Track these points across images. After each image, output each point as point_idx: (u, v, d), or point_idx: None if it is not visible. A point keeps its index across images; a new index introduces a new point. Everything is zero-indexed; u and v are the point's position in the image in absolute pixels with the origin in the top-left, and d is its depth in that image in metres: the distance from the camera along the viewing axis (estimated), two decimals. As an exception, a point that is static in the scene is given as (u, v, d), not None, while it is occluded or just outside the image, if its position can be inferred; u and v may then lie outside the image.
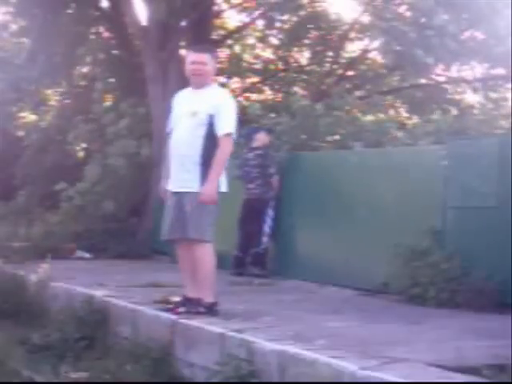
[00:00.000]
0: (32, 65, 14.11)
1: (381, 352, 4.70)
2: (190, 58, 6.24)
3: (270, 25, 16.22)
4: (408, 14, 11.24)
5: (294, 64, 17.24)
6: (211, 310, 6.10)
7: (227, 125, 6.10)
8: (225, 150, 6.09)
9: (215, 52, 6.73)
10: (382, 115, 13.41)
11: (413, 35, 10.31)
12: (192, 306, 6.11)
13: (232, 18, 16.78)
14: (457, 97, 16.09)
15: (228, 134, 6.09)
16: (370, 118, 12.43)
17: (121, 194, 12.68)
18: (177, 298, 6.54)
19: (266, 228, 9.72)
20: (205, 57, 6.23)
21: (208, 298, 6.13)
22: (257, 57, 17.49)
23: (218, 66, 17.30)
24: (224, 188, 6.17)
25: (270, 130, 10.33)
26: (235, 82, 17.50)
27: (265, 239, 9.71)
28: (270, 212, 9.74)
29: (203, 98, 6.17)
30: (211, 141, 6.07)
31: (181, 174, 6.13)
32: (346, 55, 16.91)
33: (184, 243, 6.22)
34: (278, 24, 16.42)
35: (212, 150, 6.05)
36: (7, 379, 5.83)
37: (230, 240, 9.77)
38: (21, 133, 16.69)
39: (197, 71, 6.18)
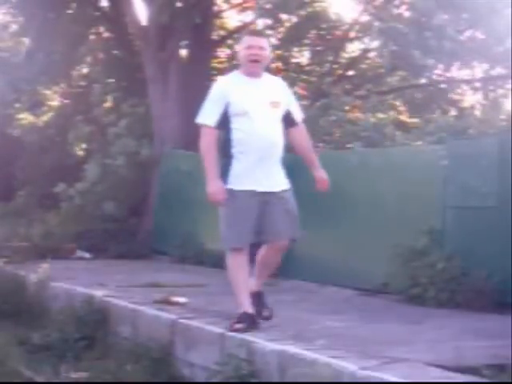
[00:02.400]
0: (31, 65, 14.11)
1: (381, 352, 4.70)
2: (247, 42, 5.62)
3: (275, 23, 16.19)
4: (407, 14, 11.25)
5: (294, 64, 17.23)
6: None
7: (299, 110, 5.87)
8: (307, 135, 5.91)
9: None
10: (381, 115, 13.40)
11: (411, 36, 10.31)
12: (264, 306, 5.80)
13: (232, 18, 16.77)
14: (457, 97, 16.08)
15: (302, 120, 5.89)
16: (368, 117, 12.40)
17: (121, 193, 12.68)
18: (179, 299, 6.57)
19: None
20: (263, 41, 5.68)
21: None
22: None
23: (218, 66, 17.35)
24: None
25: None
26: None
27: None
28: None
29: (274, 86, 5.73)
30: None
31: (274, 172, 5.64)
32: (346, 55, 16.91)
33: (275, 246, 5.75)
34: (277, 24, 16.41)
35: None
36: (7, 379, 5.83)
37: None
38: (20, 133, 16.69)
39: (256, 56, 5.57)
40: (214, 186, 5.49)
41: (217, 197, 5.50)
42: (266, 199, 5.55)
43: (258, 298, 5.80)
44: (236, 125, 5.52)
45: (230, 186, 5.52)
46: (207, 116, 5.59)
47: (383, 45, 10.97)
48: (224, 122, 5.53)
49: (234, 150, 5.53)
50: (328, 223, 9.08)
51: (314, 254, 9.16)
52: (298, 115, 5.82)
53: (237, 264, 5.64)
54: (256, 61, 5.57)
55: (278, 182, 5.64)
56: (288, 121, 5.71)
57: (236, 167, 5.53)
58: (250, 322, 5.47)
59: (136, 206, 12.93)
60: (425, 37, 10.28)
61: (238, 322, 5.44)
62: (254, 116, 5.49)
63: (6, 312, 8.01)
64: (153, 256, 11.98)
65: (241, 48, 5.67)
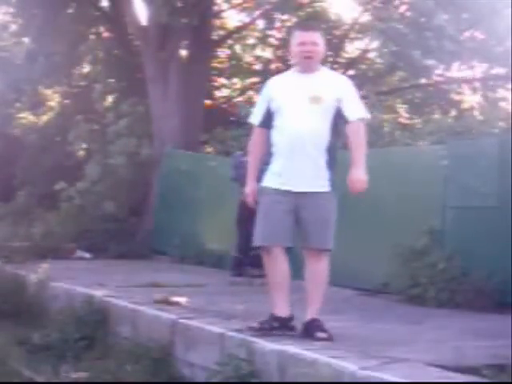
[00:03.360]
0: (32, 65, 14.13)
1: (381, 352, 4.70)
2: (299, 38, 5.30)
3: (270, 24, 16.22)
4: (408, 14, 11.26)
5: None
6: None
7: (360, 108, 5.36)
8: (363, 134, 5.32)
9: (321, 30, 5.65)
10: (380, 115, 13.40)
11: (411, 36, 10.31)
12: (316, 330, 5.16)
13: (232, 18, 16.78)
14: (457, 97, 16.09)
15: (362, 119, 5.34)
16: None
17: (121, 193, 12.68)
18: (179, 299, 6.56)
19: None
20: (316, 36, 5.33)
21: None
22: (257, 57, 17.46)
23: (218, 66, 17.28)
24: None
25: None
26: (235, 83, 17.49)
27: None
28: None
29: (321, 81, 5.33)
30: (335, 132, 5.34)
31: (309, 170, 5.27)
32: (346, 55, 16.91)
33: (306, 254, 5.33)
34: (278, 24, 16.42)
35: (335, 143, 5.37)
36: (7, 379, 5.83)
37: (229, 241, 9.77)
38: (21, 133, 16.69)
39: (309, 53, 5.26)
40: (248, 187, 5.46)
41: (248, 198, 5.47)
42: (298, 200, 5.26)
43: (312, 324, 5.22)
44: (275, 122, 5.35)
45: (263, 184, 5.38)
46: (254, 115, 5.49)
47: (383, 45, 10.98)
48: (270, 120, 5.37)
49: (273, 148, 5.36)
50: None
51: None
52: (353, 112, 5.30)
53: (269, 264, 5.35)
54: (309, 57, 5.29)
55: (311, 182, 5.29)
56: (341, 118, 5.30)
57: (272, 165, 5.35)
58: (281, 326, 5.26)
59: (136, 205, 12.94)
60: (425, 37, 10.29)
61: (263, 325, 5.27)
62: (286, 112, 5.27)
63: (6, 312, 8.01)
64: (153, 256, 11.98)
65: (293, 44, 5.37)
